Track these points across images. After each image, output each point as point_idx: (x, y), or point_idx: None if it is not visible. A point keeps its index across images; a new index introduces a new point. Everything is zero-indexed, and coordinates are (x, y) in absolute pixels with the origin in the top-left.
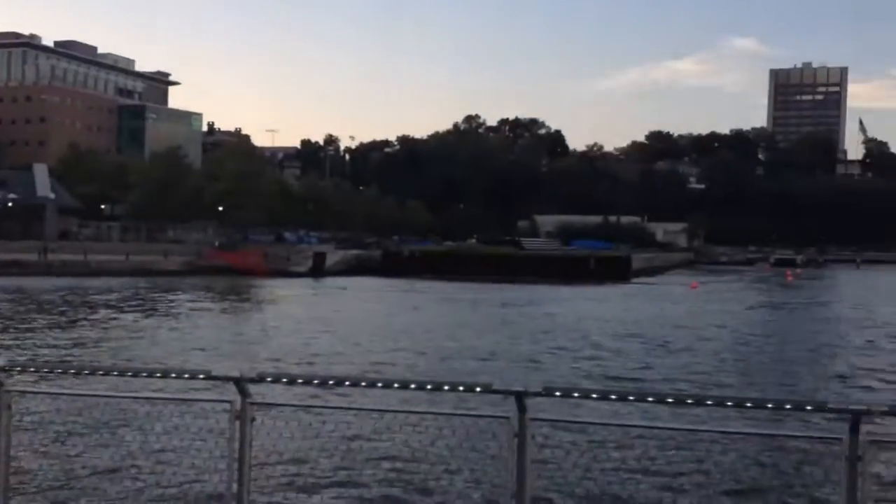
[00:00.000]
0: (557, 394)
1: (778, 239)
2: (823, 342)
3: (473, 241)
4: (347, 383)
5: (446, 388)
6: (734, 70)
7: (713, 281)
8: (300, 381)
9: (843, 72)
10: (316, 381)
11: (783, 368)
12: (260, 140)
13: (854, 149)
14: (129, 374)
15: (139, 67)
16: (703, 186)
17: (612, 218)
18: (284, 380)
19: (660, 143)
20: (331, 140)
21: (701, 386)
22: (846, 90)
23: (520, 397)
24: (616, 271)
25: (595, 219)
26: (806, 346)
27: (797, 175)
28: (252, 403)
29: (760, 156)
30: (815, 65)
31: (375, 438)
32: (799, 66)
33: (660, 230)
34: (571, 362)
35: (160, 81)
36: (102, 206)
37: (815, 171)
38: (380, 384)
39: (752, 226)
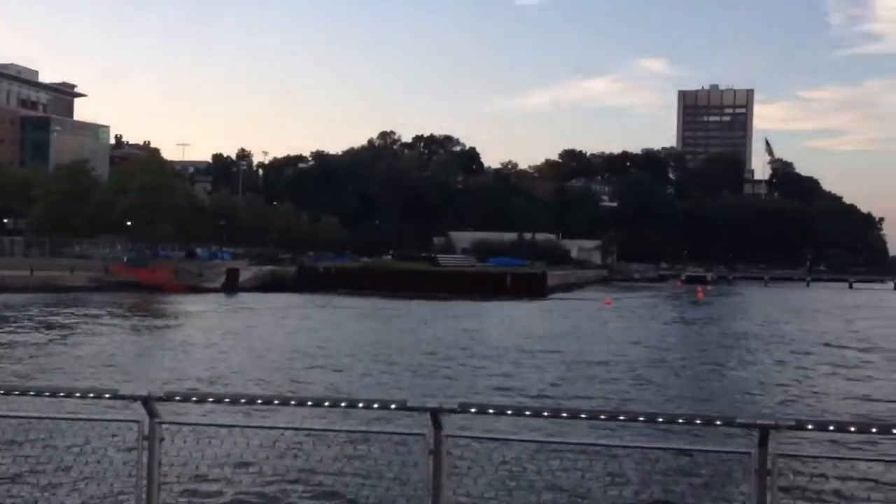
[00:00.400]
0: (473, 410)
1: (689, 256)
2: (733, 357)
3: (389, 257)
4: (260, 402)
5: (360, 405)
6: (645, 91)
7: (627, 297)
8: (211, 399)
9: (749, 94)
10: (227, 400)
11: (696, 383)
12: (170, 154)
13: (761, 169)
14: (32, 392)
15: (43, 78)
16: (615, 204)
17: (528, 235)
18: (194, 399)
19: (573, 162)
20: (243, 154)
21: (617, 400)
22: (752, 111)
23: (435, 414)
24: (532, 288)
25: (510, 236)
26: (717, 361)
27: (706, 194)
28: (160, 423)
29: (671, 175)
30: (721, 87)
31: (289, 457)
32: (706, 87)
33: (574, 247)
34: (489, 378)
35: (65, 93)
36: (5, 221)
37: (723, 191)
38: (293, 402)
39: (664, 243)
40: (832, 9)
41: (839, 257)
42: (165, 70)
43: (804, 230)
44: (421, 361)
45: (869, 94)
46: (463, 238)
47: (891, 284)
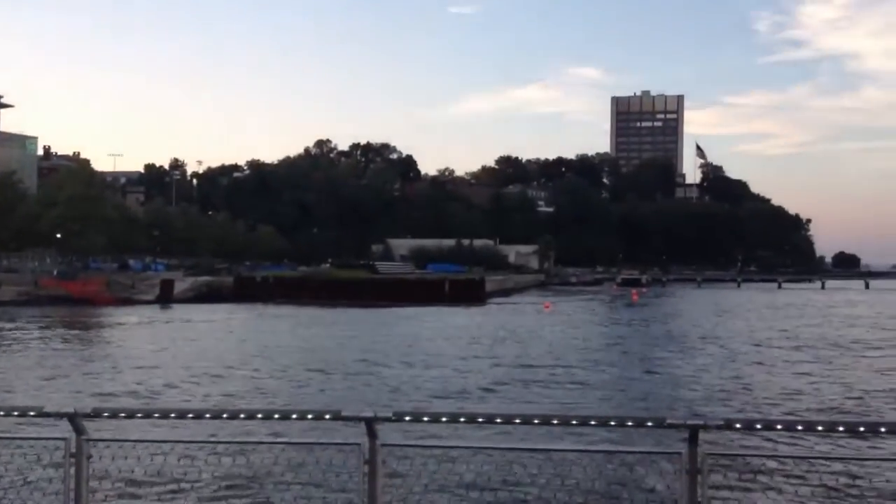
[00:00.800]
0: (407, 418)
1: (624, 259)
2: (668, 358)
3: (328, 265)
4: (191, 415)
5: (294, 416)
6: (579, 97)
7: (565, 301)
8: (140, 414)
9: (680, 99)
10: (157, 415)
11: (632, 384)
12: (101, 165)
13: (692, 173)
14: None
15: None
16: (551, 210)
17: (466, 241)
18: (123, 414)
19: (509, 168)
20: (177, 164)
21: (554, 403)
22: (683, 117)
23: (369, 423)
24: (471, 293)
25: (448, 242)
26: (652, 362)
27: (640, 198)
28: (88, 440)
29: (605, 180)
30: (653, 93)
31: (223, 471)
32: (638, 94)
33: (512, 252)
34: (426, 384)
35: None
36: None
37: (656, 194)
38: (226, 415)
39: (600, 247)
40: (757, 17)
41: (768, 258)
42: (96, 81)
43: (734, 232)
44: (358, 369)
45: (794, 99)
46: (401, 245)
47: (818, 284)
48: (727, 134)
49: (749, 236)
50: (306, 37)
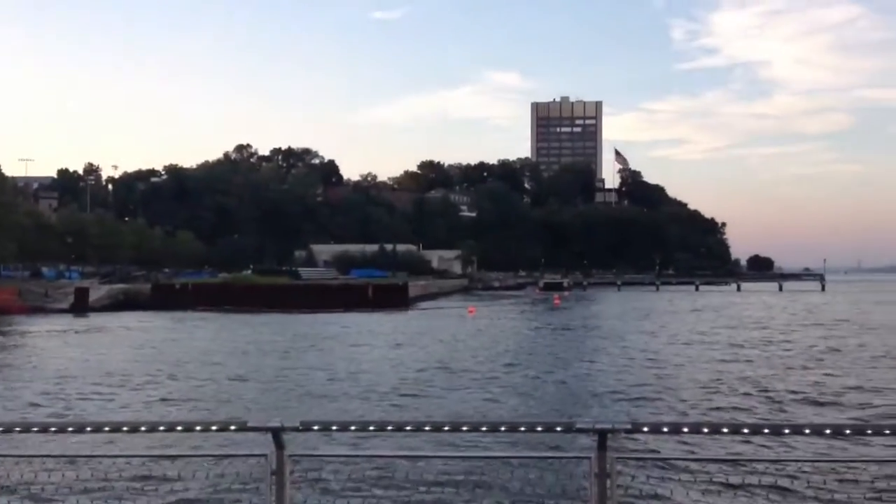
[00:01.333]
0: (316, 428)
1: (546, 264)
2: (587, 361)
3: (249, 271)
4: (107, 429)
5: (198, 428)
6: (500, 103)
7: (488, 306)
8: (35, 429)
9: (598, 105)
10: (71, 429)
11: (550, 388)
12: (12, 169)
13: (611, 178)
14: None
15: None
16: (474, 214)
17: (389, 246)
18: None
19: (432, 173)
20: (91, 169)
21: (472, 408)
22: (601, 122)
23: (277, 434)
24: (394, 299)
25: (372, 247)
26: (571, 365)
27: (561, 203)
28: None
29: (526, 185)
30: (572, 99)
31: (123, 489)
32: (558, 99)
33: (435, 257)
34: (350, 390)
35: None
36: None
37: (576, 199)
38: (125, 428)
39: (522, 251)
40: (673, 24)
41: (686, 261)
42: (4, 83)
43: (653, 236)
44: (273, 378)
45: (708, 105)
46: (324, 251)
47: (734, 286)
48: (645, 139)
49: (667, 240)
50: (226, 40)
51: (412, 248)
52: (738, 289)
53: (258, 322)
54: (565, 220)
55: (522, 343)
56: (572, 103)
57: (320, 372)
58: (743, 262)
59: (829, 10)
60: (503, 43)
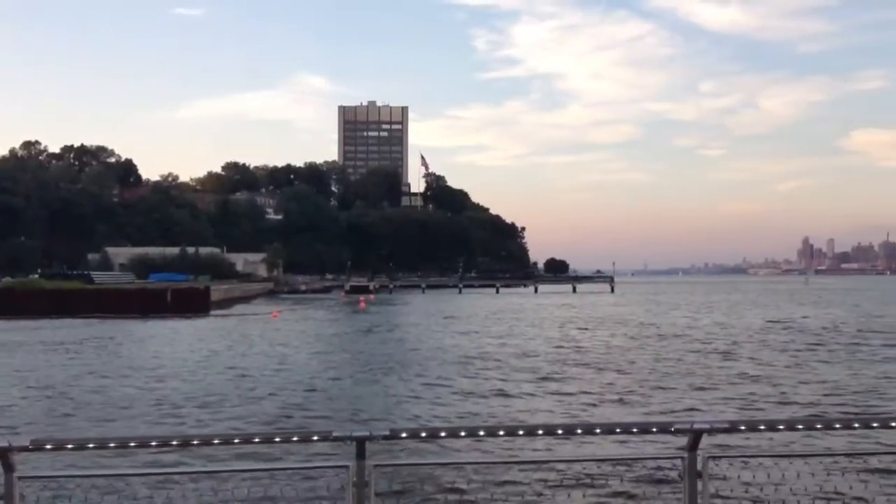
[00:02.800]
0: (49, 447)
1: (353, 267)
2: (381, 367)
3: (36, 275)
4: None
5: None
6: (307, 105)
7: (293, 309)
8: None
9: (404, 110)
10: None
11: (340, 395)
12: None
13: (416, 182)
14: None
15: None
16: (280, 217)
17: (191, 249)
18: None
19: (237, 175)
20: None
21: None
22: (407, 127)
23: (4, 453)
24: (195, 303)
25: (172, 250)
26: (368, 372)
27: (367, 206)
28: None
29: (334, 188)
30: (379, 103)
31: None
32: (365, 103)
33: (240, 260)
34: (140, 401)
35: None
36: None
37: (383, 203)
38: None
39: (329, 255)
40: (476, 34)
41: (487, 265)
42: None
43: (457, 240)
44: (62, 391)
45: (509, 114)
46: (121, 254)
47: (532, 289)
48: (449, 145)
49: (470, 243)
50: (13, 32)
51: (216, 251)
52: (536, 291)
53: (47, 329)
54: (372, 223)
55: (323, 348)
56: (379, 108)
57: (97, 379)
58: (540, 265)
59: (621, 27)
60: (311, 45)
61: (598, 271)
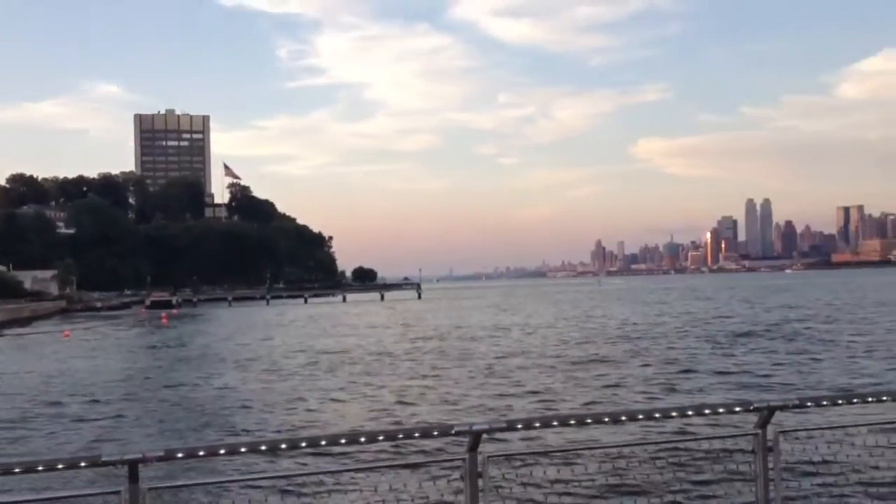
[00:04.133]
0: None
1: (154, 281)
2: (183, 384)
3: None
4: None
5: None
6: (100, 114)
7: (88, 328)
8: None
9: (206, 119)
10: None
11: (142, 412)
12: None
13: (220, 193)
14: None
15: None
16: (72, 231)
17: None
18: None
19: (23, 187)
20: None
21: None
22: (209, 137)
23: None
24: None
25: None
26: (161, 388)
27: (168, 218)
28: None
29: (131, 200)
30: (178, 112)
31: None
32: (163, 112)
33: (28, 278)
34: None
35: None
36: None
37: (185, 214)
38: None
39: (127, 269)
40: (279, 44)
41: (296, 275)
42: None
43: (263, 250)
44: None
45: (315, 123)
46: None
47: (340, 297)
48: (254, 155)
49: (277, 254)
50: None
51: (1, 268)
52: (344, 300)
53: None
54: (173, 236)
55: (120, 366)
56: (178, 116)
57: None
58: (348, 274)
59: (421, 39)
60: (103, 52)
61: (406, 278)
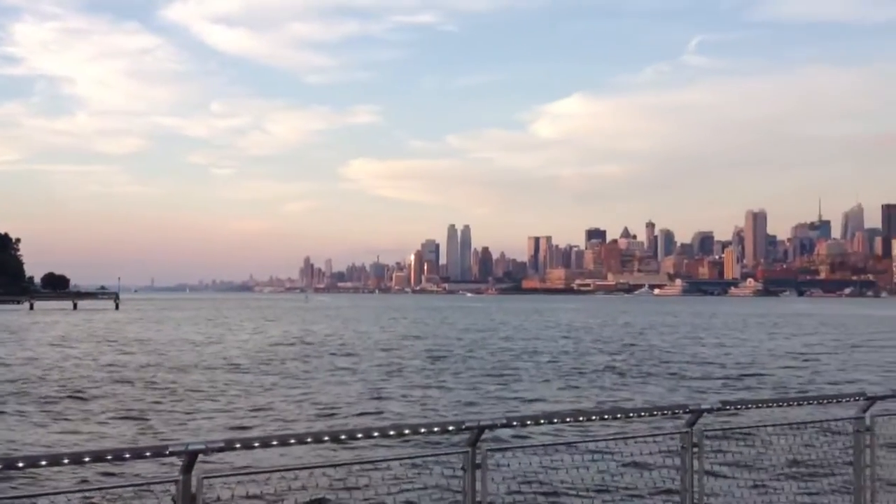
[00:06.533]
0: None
1: None
2: None
3: None
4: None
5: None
6: None
7: None
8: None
9: None
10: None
11: None
12: None
13: None
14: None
15: None
16: None
17: None
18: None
19: None
20: None
21: None
22: None
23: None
24: None
25: None
26: None
27: None
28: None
29: None
30: None
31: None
32: None
33: None
34: None
35: None
36: None
37: None
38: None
39: None
40: None
41: None
42: None
43: None
44: None
45: (8, 116)
46: None
47: (27, 305)
48: None
49: None
50: None
51: None
52: (32, 307)
53: None
54: None
55: None
56: None
57: None
58: (38, 281)
59: (129, 37)
60: None
61: (103, 287)
